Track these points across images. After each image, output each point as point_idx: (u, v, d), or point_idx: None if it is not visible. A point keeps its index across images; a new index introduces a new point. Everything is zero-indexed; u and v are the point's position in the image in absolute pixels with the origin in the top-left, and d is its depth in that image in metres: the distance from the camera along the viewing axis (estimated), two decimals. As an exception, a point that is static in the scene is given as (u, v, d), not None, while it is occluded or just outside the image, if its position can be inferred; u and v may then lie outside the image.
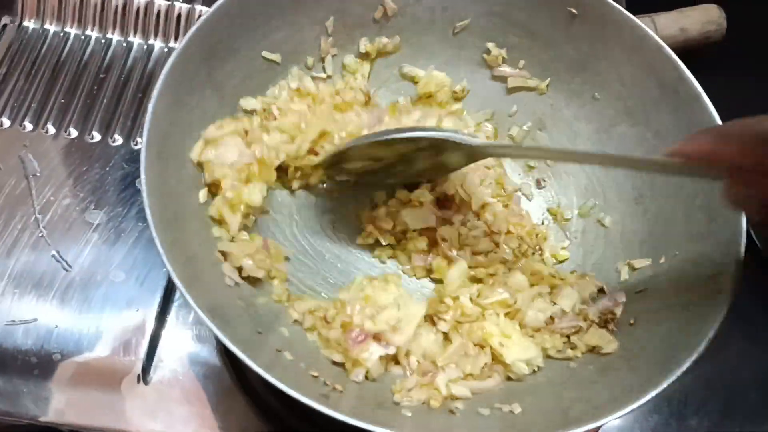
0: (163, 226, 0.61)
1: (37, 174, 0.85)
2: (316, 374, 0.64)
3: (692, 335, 0.62)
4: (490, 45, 0.86)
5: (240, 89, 0.78)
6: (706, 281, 0.67)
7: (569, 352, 0.72)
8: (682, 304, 0.67)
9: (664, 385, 0.59)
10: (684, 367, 0.59)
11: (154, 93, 0.66)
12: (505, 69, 0.88)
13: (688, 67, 0.75)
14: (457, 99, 0.89)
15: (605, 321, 0.72)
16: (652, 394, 0.58)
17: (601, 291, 0.77)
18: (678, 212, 0.74)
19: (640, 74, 0.79)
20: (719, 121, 0.72)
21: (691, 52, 1.01)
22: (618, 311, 0.73)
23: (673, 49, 0.76)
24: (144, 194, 0.61)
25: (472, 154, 0.72)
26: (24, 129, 0.88)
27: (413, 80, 0.89)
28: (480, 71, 0.89)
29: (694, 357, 0.60)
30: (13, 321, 0.76)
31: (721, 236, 0.68)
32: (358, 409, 0.61)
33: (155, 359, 0.77)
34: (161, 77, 0.67)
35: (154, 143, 0.65)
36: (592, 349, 0.71)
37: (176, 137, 0.69)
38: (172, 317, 0.79)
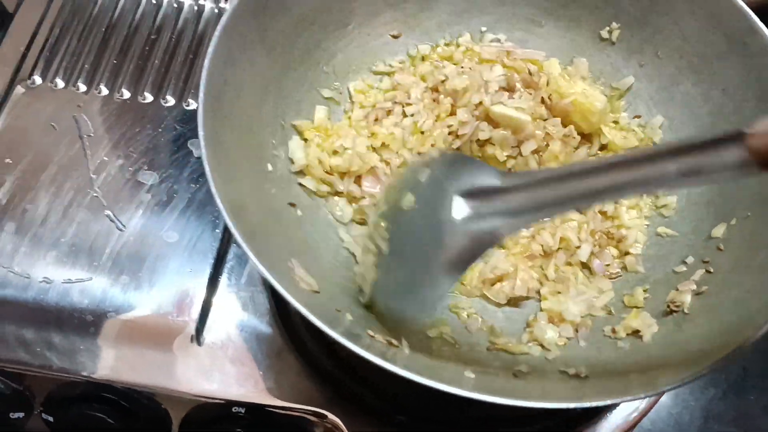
0: (222, 182, 0.60)
1: (91, 135, 0.85)
2: (372, 334, 0.63)
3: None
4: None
5: (292, 48, 0.76)
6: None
7: (611, 335, 0.70)
8: (756, 265, 0.65)
9: (736, 350, 0.56)
10: (763, 330, 0.56)
11: (210, 49, 0.65)
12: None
13: (758, 25, 0.72)
14: None
15: (671, 311, 0.69)
16: (723, 362, 0.56)
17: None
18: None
19: (704, 27, 0.76)
20: (794, 76, 0.69)
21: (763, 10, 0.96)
22: (687, 299, 0.68)
23: (741, 7, 0.73)
24: (203, 150, 0.60)
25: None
26: (78, 90, 0.88)
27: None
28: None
29: None
30: (69, 279, 0.76)
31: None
32: (417, 367, 0.60)
33: (208, 320, 0.76)
34: (216, 34, 0.66)
35: (209, 100, 0.64)
36: (633, 333, 0.69)
37: (230, 95, 0.68)
38: (224, 279, 0.79)
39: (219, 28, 0.66)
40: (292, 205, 0.73)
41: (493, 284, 0.74)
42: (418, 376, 0.53)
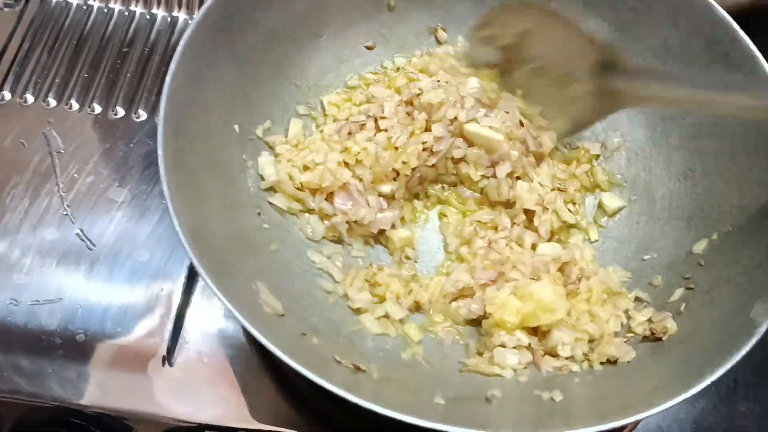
0: (184, 206, 0.59)
1: (61, 151, 0.83)
2: (339, 359, 0.61)
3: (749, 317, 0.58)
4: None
5: (262, 62, 0.75)
6: (763, 259, 0.62)
7: (583, 364, 0.68)
8: (736, 283, 0.63)
9: (718, 374, 0.55)
10: (742, 353, 0.55)
11: (171, 66, 0.64)
12: None
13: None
14: None
15: (656, 338, 0.67)
16: (706, 383, 0.55)
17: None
18: (731, 187, 0.70)
19: (686, 38, 0.74)
20: (777, 88, 0.67)
21: (743, 18, 0.94)
22: (672, 325, 0.66)
23: (722, 15, 0.72)
24: (162, 173, 0.59)
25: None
26: (48, 105, 0.87)
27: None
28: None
29: (753, 340, 0.56)
30: (38, 301, 0.74)
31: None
32: (384, 394, 0.58)
33: (180, 340, 0.75)
34: (178, 50, 0.65)
35: (172, 120, 0.62)
36: (610, 361, 0.67)
37: (195, 112, 0.66)
38: (196, 297, 0.77)
39: (181, 44, 0.65)
40: (258, 214, 0.72)
41: (452, 300, 0.72)
42: (383, 407, 0.52)
